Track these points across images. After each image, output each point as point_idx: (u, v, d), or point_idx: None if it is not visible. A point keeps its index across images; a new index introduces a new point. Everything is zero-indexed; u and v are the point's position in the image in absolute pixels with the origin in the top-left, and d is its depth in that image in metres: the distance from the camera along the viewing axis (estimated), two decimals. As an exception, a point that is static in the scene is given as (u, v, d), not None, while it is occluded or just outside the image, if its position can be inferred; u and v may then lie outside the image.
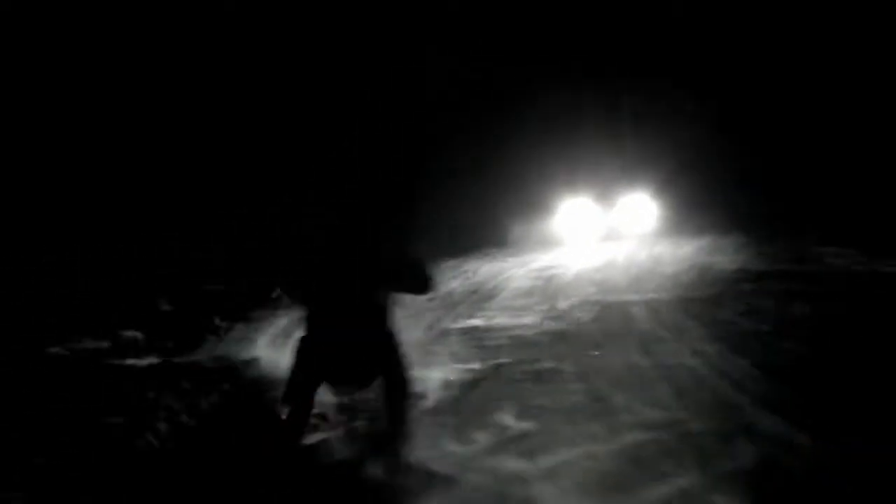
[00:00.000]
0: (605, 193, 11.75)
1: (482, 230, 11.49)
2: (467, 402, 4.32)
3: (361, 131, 13.49)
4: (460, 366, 5.11)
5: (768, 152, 12.04)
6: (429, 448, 3.56)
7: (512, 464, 3.39)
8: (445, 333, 6.29)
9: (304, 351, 3.75)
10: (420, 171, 12.80)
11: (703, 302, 6.52)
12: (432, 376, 4.84)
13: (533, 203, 11.66)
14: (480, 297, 7.78)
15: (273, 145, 12.06)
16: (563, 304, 7.00)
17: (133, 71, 10.77)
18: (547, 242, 11.25)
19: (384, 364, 3.74)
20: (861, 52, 12.31)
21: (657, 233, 11.24)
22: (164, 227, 9.37)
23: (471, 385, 4.66)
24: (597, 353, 5.20)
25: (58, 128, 9.86)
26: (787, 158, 12.07)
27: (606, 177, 11.87)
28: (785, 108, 12.43)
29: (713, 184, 11.11)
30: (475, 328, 6.43)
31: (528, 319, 6.55)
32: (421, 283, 3.86)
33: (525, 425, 3.87)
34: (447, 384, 4.66)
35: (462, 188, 11.93)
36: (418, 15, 14.12)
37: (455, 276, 8.95)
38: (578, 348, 5.36)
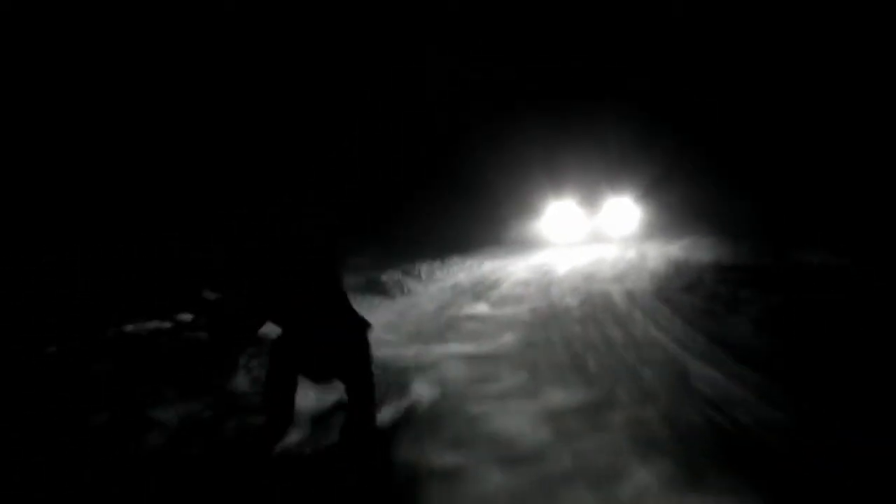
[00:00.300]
0: (590, 197, 12.67)
1: (484, 230, 12.50)
2: (479, 365, 5.42)
3: (361, 131, 13.69)
4: (471, 341, 6.23)
5: (748, 157, 13.01)
6: (458, 394, 4.67)
7: (515, 404, 4.49)
8: (455, 318, 7.42)
9: (282, 350, 3.92)
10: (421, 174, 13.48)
11: (674, 290, 7.66)
12: (450, 350, 5.96)
13: (528, 206, 12.61)
14: (484, 287, 8.92)
15: (273, 145, 12.19)
16: (555, 292, 8.16)
17: (133, 71, 10.78)
18: (543, 242, 12.31)
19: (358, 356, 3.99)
20: (835, 62, 13.10)
21: (641, 235, 12.23)
22: (164, 227, 9.39)
23: (481, 355, 5.76)
24: (579, 327, 6.35)
25: (58, 128, 9.83)
26: (768, 163, 13.04)
27: (592, 181, 12.73)
28: (763, 115, 13.32)
29: (695, 188, 12.07)
30: (481, 312, 7.57)
31: (525, 304, 7.69)
32: None
33: (522, 379, 5.00)
34: (462, 356, 5.74)
35: (462, 191, 12.78)
36: (418, 15, 14.27)
37: (461, 270, 10.07)
38: (565, 324, 6.53)
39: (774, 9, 13.71)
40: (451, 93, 14.13)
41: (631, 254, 10.79)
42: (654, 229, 12.13)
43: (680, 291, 7.54)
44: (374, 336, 6.29)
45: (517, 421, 4.16)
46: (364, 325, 4.06)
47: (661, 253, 10.43)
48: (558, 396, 4.51)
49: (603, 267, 9.79)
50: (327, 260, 4.11)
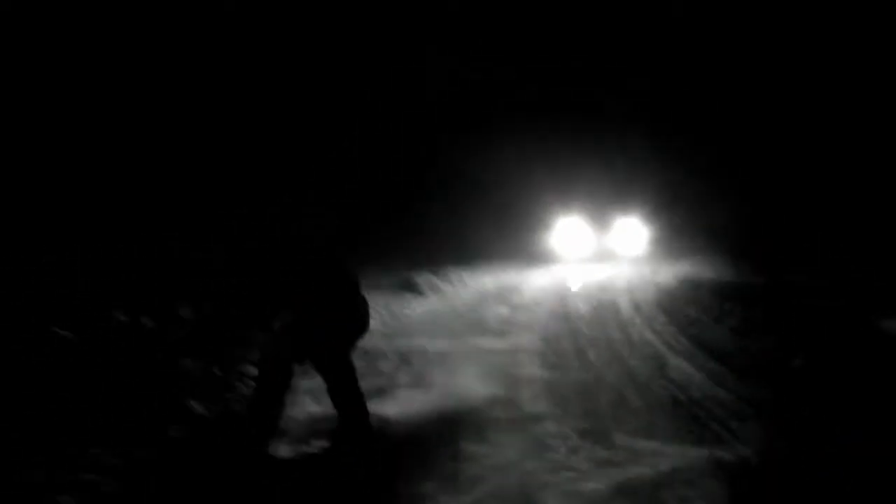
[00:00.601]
0: (599, 216, 13.33)
1: (506, 241, 13.54)
2: (502, 355, 6.52)
3: (361, 131, 14.06)
4: (495, 337, 7.37)
5: (753, 179, 13.79)
6: (487, 374, 5.82)
7: (526, 382, 5.63)
8: (482, 317, 8.58)
9: (278, 347, 4.01)
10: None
11: (674, 301, 8.79)
12: (478, 343, 7.08)
13: (538, 220, 13.26)
14: (507, 292, 10.10)
15: (273, 145, 12.33)
16: (569, 300, 9.31)
17: (133, 71, 10.80)
18: (556, 257, 13.34)
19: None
20: (836, 91, 13.70)
21: (651, 255, 13.14)
22: (164, 227, 9.35)
23: (503, 348, 6.87)
24: (587, 328, 7.51)
25: (58, 128, 9.74)
26: (772, 186, 13.84)
27: (600, 199, 13.33)
28: (768, 143, 14.02)
29: (701, 210, 13.00)
30: (504, 313, 8.74)
31: (542, 309, 8.86)
32: None
33: (534, 365, 6.14)
34: (489, 349, 6.83)
35: (479, 202, 13.51)
36: (418, 15, 14.59)
37: (486, 275, 11.28)
38: (575, 325, 7.69)
39: (775, 10, 14.22)
40: (451, 93, 14.51)
41: (643, 270, 11.89)
42: (663, 249, 13.11)
43: (678, 303, 8.65)
44: (411, 327, 7.54)
45: (527, 394, 5.32)
46: (365, 319, 4.25)
47: (669, 270, 11.52)
48: (560, 377, 5.67)
49: (616, 281, 10.91)
50: (329, 258, 4.24)
